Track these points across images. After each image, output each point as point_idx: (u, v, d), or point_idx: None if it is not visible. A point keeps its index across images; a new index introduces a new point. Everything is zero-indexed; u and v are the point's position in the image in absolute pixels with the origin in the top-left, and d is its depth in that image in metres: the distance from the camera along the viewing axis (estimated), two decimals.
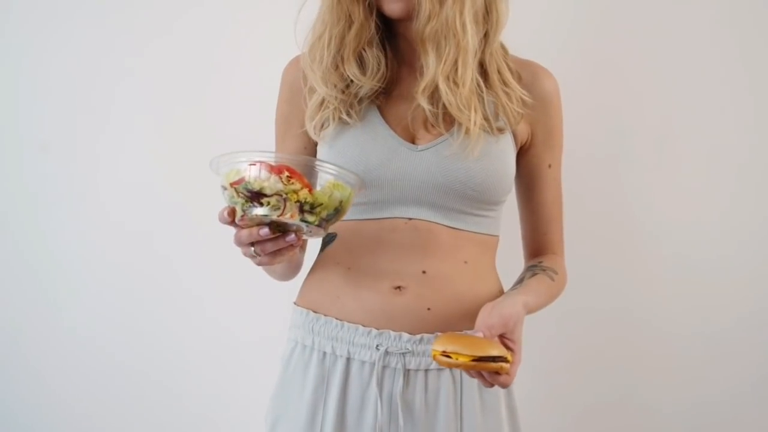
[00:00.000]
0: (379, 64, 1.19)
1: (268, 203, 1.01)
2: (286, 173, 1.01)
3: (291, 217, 1.02)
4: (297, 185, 1.01)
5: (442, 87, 1.15)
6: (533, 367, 1.60)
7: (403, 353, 1.18)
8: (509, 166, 1.23)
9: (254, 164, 1.01)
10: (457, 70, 1.15)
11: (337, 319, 1.21)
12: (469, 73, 1.16)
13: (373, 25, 1.18)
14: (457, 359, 1.03)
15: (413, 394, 1.18)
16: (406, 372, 1.18)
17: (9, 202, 1.81)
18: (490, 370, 1.03)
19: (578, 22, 1.63)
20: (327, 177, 1.05)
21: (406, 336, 1.18)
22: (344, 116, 1.19)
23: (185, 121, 1.74)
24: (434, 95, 1.17)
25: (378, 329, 1.19)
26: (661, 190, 1.64)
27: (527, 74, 1.26)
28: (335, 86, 1.19)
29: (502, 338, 1.08)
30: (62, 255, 1.81)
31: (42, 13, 1.76)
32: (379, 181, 1.19)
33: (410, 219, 1.19)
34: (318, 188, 1.04)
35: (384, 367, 1.19)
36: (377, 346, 1.18)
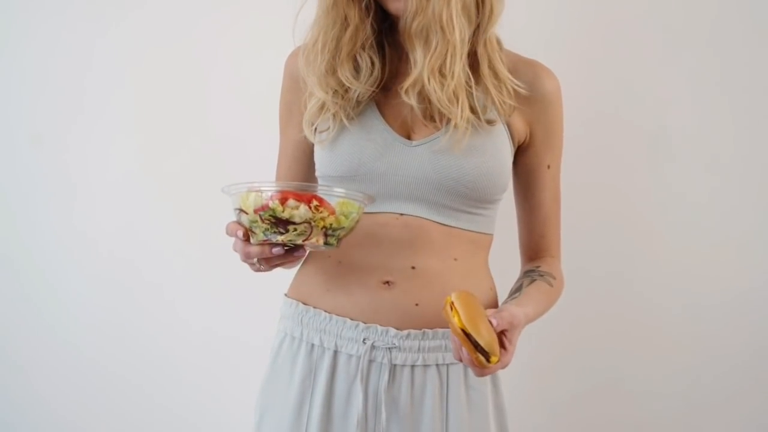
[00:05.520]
0: (372, 68, 1.19)
1: (295, 230, 1.04)
2: (315, 202, 1.04)
3: (316, 241, 1.06)
4: (325, 213, 1.05)
5: (430, 82, 1.13)
6: (521, 365, 1.58)
7: (389, 348, 1.18)
8: (504, 164, 1.22)
9: (281, 193, 1.04)
10: (445, 64, 1.13)
11: (325, 311, 1.21)
12: (458, 66, 1.14)
13: (368, 27, 1.18)
14: (453, 317, 1.04)
15: (399, 389, 1.18)
16: (392, 367, 1.18)
17: None
18: (468, 350, 1.03)
19: (570, 20, 1.62)
20: (336, 200, 1.08)
21: (393, 331, 1.18)
22: (345, 120, 1.19)
23: (171, 121, 1.74)
24: (422, 91, 1.16)
25: (365, 323, 1.19)
26: (653, 189, 1.63)
27: (529, 72, 1.24)
28: (335, 91, 1.19)
29: (501, 335, 1.07)
30: (41, 254, 1.81)
31: (34, 6, 1.76)
32: (372, 174, 1.19)
33: (402, 214, 1.19)
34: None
35: (370, 362, 1.19)
36: (364, 339, 1.18)
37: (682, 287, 1.63)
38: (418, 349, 1.18)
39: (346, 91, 1.19)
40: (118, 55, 1.75)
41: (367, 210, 1.20)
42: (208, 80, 1.72)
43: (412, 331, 1.18)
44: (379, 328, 1.18)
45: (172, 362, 1.79)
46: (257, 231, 1.06)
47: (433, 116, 1.18)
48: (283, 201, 1.03)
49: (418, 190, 1.19)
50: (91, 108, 1.77)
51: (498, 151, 1.20)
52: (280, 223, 1.04)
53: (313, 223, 1.04)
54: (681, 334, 1.64)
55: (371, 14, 1.17)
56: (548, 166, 1.29)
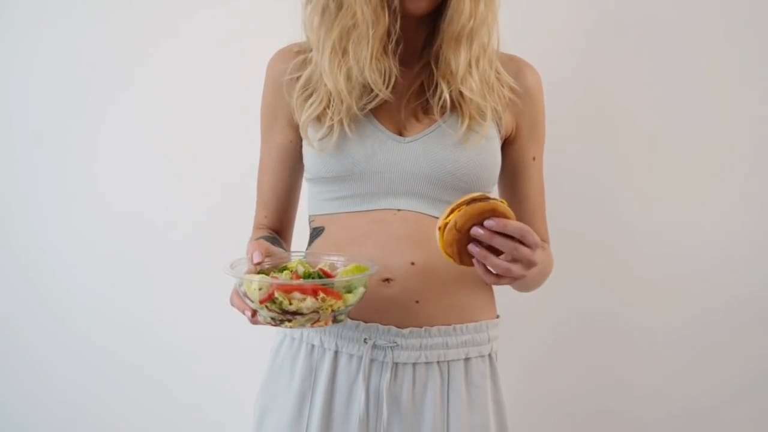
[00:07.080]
0: (391, 74, 1.18)
1: (302, 316, 1.03)
2: (322, 294, 1.03)
3: (325, 324, 1.05)
4: (331, 300, 1.03)
5: (471, 78, 1.17)
6: (521, 365, 1.62)
7: (390, 347, 1.17)
8: (496, 156, 1.24)
9: (283, 287, 1.02)
10: (481, 62, 1.19)
11: None
12: (489, 64, 1.20)
13: (393, 33, 1.17)
14: (446, 219, 1.02)
15: (400, 387, 1.18)
16: (394, 366, 1.18)
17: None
18: (484, 210, 1.00)
19: (569, 20, 1.63)
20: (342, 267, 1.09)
21: (394, 329, 1.18)
22: (346, 128, 1.18)
23: (179, 117, 1.73)
24: (465, 84, 1.18)
25: (366, 322, 1.18)
26: (652, 190, 1.64)
27: (511, 68, 1.28)
28: (360, 94, 1.18)
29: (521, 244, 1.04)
30: (52, 250, 1.80)
31: (38, 4, 1.75)
32: (367, 173, 1.19)
33: (399, 210, 1.19)
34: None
35: (372, 361, 1.18)
36: (365, 339, 1.18)
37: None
38: (420, 346, 1.18)
39: (353, 87, 1.17)
40: (123, 54, 1.75)
41: (363, 208, 1.20)
42: (214, 79, 1.71)
43: (413, 329, 1.18)
44: (380, 326, 1.18)
45: (174, 360, 1.79)
46: (263, 314, 1.04)
47: (429, 111, 1.20)
48: (287, 291, 1.01)
49: (414, 185, 1.19)
50: (100, 106, 1.76)
51: (489, 143, 1.22)
52: (288, 313, 1.02)
53: (320, 311, 1.03)
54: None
55: (397, 22, 1.16)
56: (533, 158, 1.32)
